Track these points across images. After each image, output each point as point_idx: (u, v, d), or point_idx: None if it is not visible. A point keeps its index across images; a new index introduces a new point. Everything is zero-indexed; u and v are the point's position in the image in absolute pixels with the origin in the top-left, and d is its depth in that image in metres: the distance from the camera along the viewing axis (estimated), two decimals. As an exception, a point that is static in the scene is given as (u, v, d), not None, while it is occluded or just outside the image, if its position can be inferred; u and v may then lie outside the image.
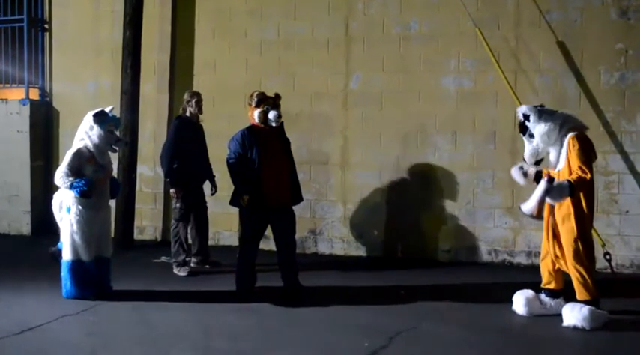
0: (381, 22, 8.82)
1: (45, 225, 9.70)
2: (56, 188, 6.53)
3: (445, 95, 8.59)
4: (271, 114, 6.65)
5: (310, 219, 9.11)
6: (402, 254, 8.79)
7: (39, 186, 10.22)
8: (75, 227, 6.35)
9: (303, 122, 8.87)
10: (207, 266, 8.07)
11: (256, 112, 6.69)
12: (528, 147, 5.94)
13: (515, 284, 6.57)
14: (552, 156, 5.91)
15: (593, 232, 7.56)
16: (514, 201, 8.24)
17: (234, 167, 6.65)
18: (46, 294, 6.60)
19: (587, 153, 5.70)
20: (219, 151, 8.87)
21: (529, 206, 5.62)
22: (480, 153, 8.45)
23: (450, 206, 8.62)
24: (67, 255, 6.40)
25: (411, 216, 8.72)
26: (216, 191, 8.15)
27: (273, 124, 6.68)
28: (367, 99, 8.89)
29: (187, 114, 7.90)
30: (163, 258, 8.24)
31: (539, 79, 8.24)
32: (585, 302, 5.73)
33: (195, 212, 7.95)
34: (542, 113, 5.89)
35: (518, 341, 5.50)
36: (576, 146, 5.66)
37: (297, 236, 7.04)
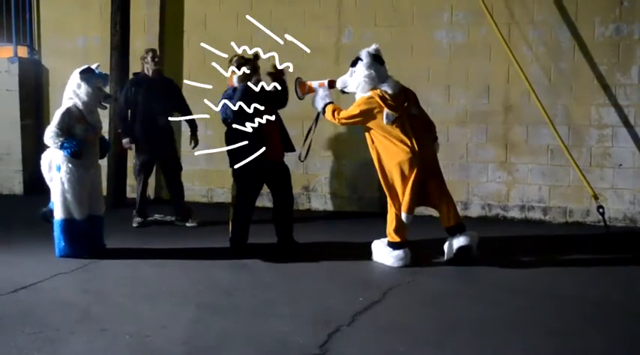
0: (372, -26, 8.68)
1: (37, 184, 9.62)
2: (47, 147, 6.48)
3: (438, 48, 8.50)
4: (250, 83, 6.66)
5: (303, 175, 9.08)
6: (396, 209, 8.78)
7: (30, 145, 10.13)
8: (66, 185, 6.31)
9: (295, 77, 8.74)
10: (187, 225, 8.01)
11: (235, 77, 6.69)
12: (345, 76, 6.47)
13: (509, 238, 6.61)
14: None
15: (586, 185, 7.62)
16: (507, 155, 8.24)
17: (236, 115, 6.56)
18: (39, 253, 6.59)
19: (356, 107, 6.27)
20: (210, 108, 8.81)
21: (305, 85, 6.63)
22: (473, 107, 8.40)
23: (443, 160, 8.54)
24: (58, 214, 6.38)
25: (404, 171, 8.68)
26: (196, 144, 8.10)
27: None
28: (359, 54, 8.77)
29: (145, 71, 7.93)
30: (156, 216, 8.24)
31: (532, 31, 8.15)
32: (389, 244, 6.29)
33: (162, 169, 8.20)
34: (380, 71, 6.37)
35: (513, 293, 5.53)
36: (357, 102, 6.27)
37: (290, 192, 7.04)
